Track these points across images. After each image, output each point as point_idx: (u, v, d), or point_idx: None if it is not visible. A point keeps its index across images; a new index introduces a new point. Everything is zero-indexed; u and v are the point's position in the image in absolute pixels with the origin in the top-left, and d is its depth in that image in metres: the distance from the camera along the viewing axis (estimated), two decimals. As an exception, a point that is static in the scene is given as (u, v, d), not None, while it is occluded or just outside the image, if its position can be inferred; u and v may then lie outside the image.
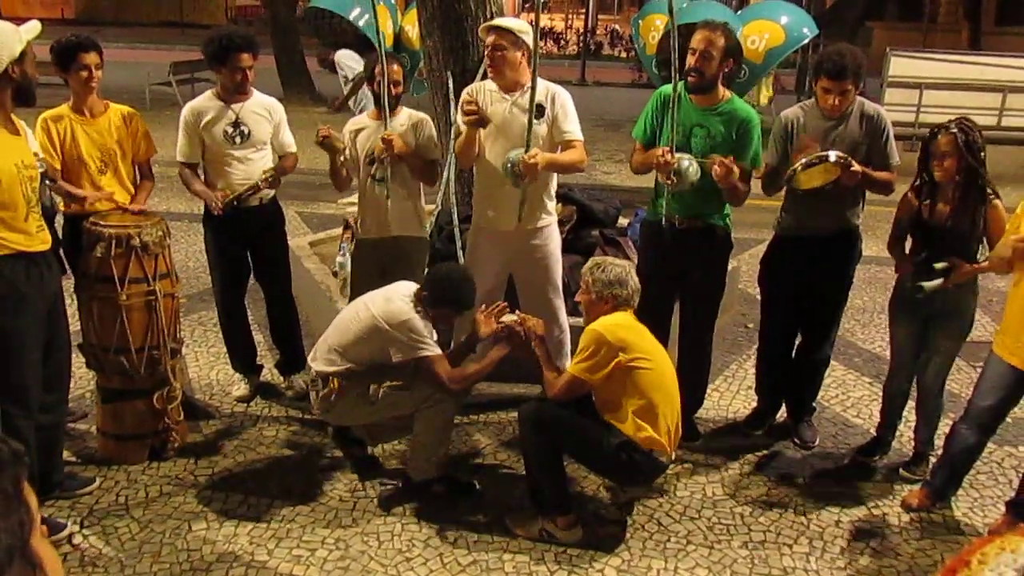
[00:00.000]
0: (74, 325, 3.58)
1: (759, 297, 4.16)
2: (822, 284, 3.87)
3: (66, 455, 3.65)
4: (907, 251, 3.72)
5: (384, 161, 3.83)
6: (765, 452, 4.02)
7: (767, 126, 3.93)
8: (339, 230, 5.61)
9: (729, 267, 4.22)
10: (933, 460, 3.72)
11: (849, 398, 4.62)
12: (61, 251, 3.58)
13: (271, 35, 14.27)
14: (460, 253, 4.71)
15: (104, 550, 3.16)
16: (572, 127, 3.79)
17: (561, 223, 4.43)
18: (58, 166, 3.74)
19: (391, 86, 3.82)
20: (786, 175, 3.60)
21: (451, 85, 4.93)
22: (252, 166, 4.02)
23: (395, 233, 4.02)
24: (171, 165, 4.36)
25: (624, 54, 25.85)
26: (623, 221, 5.61)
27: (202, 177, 4.11)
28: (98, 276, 3.53)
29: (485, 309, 3.52)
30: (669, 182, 3.57)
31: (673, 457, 3.35)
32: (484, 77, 4.10)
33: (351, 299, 3.94)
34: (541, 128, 3.71)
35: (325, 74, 10.60)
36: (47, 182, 3.46)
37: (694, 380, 3.94)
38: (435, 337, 3.45)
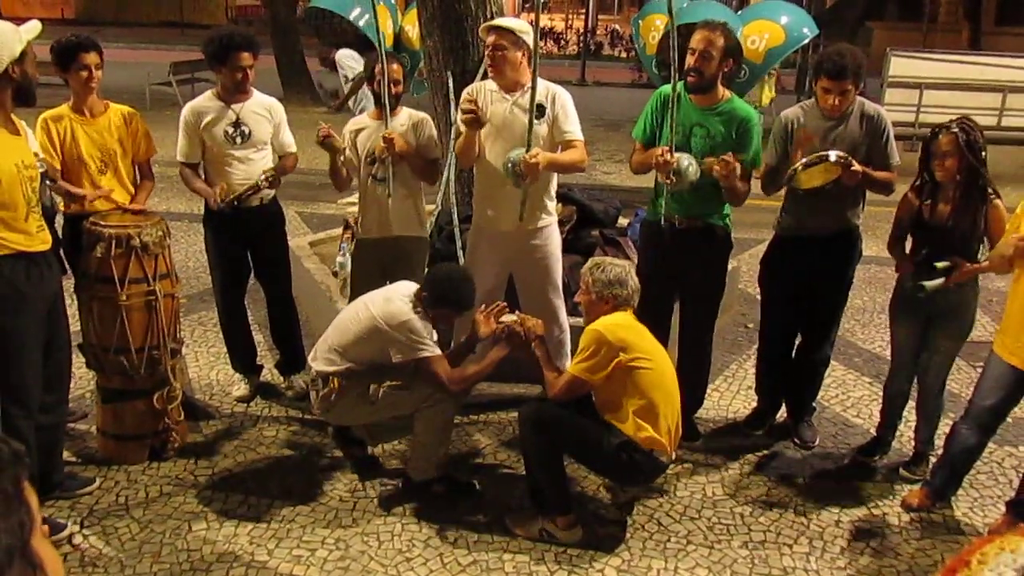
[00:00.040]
0: (74, 325, 3.57)
1: (759, 297, 4.16)
2: (822, 284, 3.87)
3: (66, 455, 3.65)
4: (907, 251, 3.72)
5: (385, 160, 3.83)
6: (765, 452, 4.03)
7: (769, 126, 3.93)
8: (339, 230, 5.61)
9: (729, 267, 4.22)
10: (933, 460, 3.72)
11: (849, 398, 4.62)
12: (61, 251, 3.58)
13: (271, 35, 14.26)
14: (460, 253, 4.71)
15: (104, 550, 3.16)
16: (572, 127, 3.79)
17: (561, 223, 4.43)
18: (58, 166, 3.74)
19: (391, 85, 3.82)
20: (786, 174, 3.61)
21: (451, 85, 4.93)
22: (252, 166, 4.02)
23: (396, 233, 4.02)
24: (171, 165, 4.36)
25: (624, 54, 25.86)
26: (623, 221, 5.61)
27: (202, 177, 4.11)
28: (98, 276, 3.53)
29: (485, 309, 3.52)
30: (669, 182, 3.57)
31: (673, 457, 3.35)
32: (484, 77, 4.10)
33: (351, 299, 3.94)
34: (541, 128, 3.71)
35: (325, 73, 10.59)
36: (47, 182, 3.46)
37: (694, 380, 3.94)
38: (435, 337, 3.44)
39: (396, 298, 3.42)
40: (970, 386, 3.75)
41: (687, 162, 3.54)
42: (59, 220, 3.76)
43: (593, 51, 24.87)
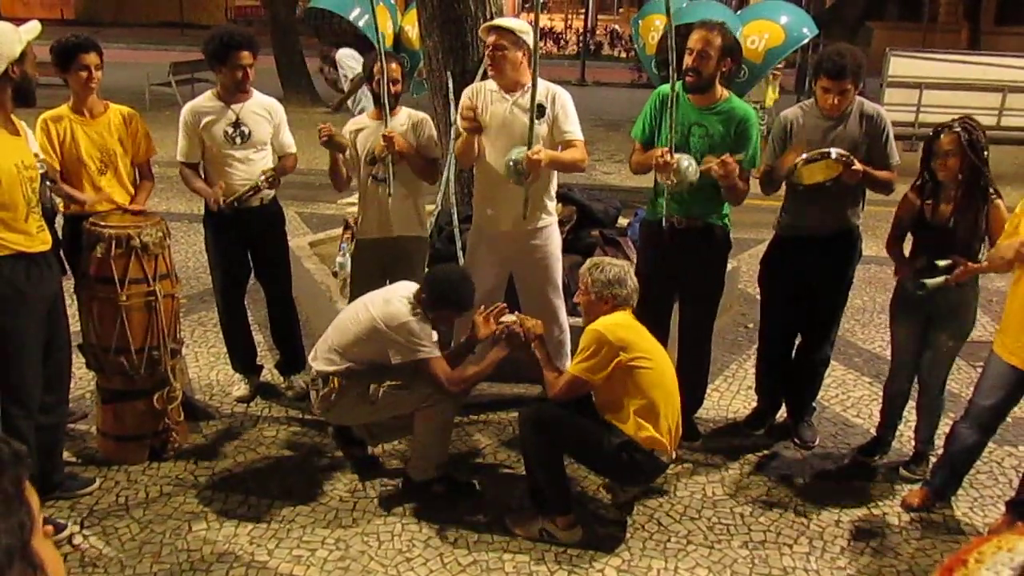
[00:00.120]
0: (74, 326, 3.58)
1: (759, 297, 4.17)
2: (822, 284, 3.87)
3: (66, 455, 3.65)
4: (906, 253, 3.72)
5: (385, 160, 3.83)
6: (765, 452, 4.03)
7: (771, 126, 3.93)
8: (339, 230, 5.61)
9: (729, 267, 4.22)
10: (933, 460, 3.72)
11: (849, 398, 4.62)
12: (61, 251, 3.58)
13: (271, 35, 14.26)
14: (460, 253, 4.71)
15: (104, 550, 3.16)
16: (572, 127, 3.79)
17: (561, 223, 4.43)
18: (58, 166, 3.73)
19: (390, 85, 3.82)
20: (786, 169, 3.61)
21: (451, 85, 4.93)
22: (252, 166, 4.02)
23: (396, 233, 4.02)
24: (171, 165, 4.36)
25: (624, 54, 25.86)
26: (623, 221, 5.61)
27: (203, 177, 4.11)
28: (98, 276, 3.53)
29: (484, 310, 3.52)
30: (668, 182, 3.57)
31: (674, 456, 3.35)
32: (484, 77, 4.10)
33: (351, 299, 3.94)
34: (541, 128, 3.71)
35: (323, 77, 10.59)
36: (47, 183, 3.46)
37: (694, 380, 3.94)
38: (435, 338, 3.44)
39: (395, 299, 3.42)
40: (970, 386, 3.75)
41: (687, 163, 3.54)
42: (59, 220, 3.76)
43: (593, 51, 24.88)
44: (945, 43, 18.12)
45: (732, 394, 4.61)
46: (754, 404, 4.31)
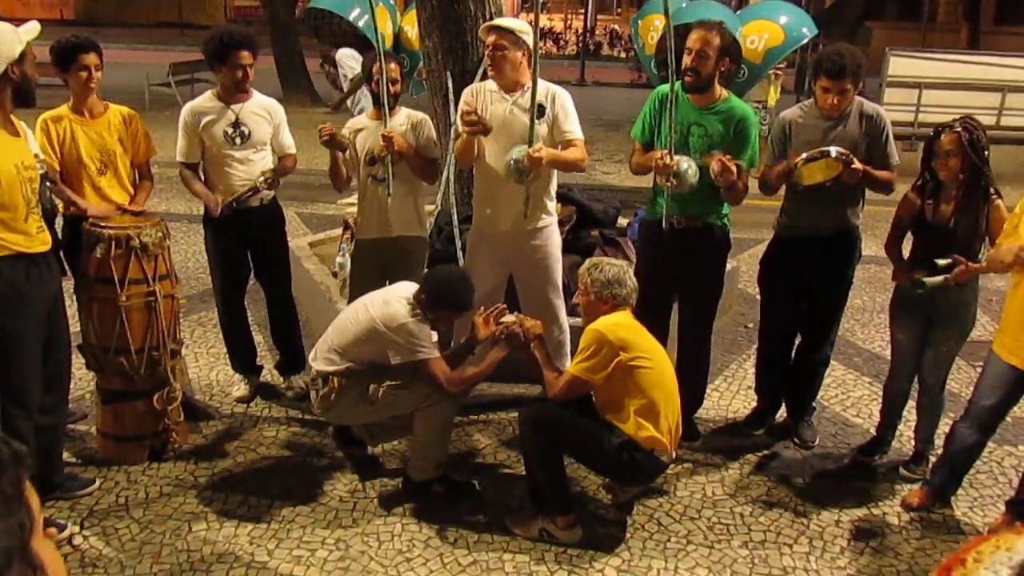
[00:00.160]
0: (74, 326, 3.58)
1: (759, 297, 4.17)
2: (822, 284, 3.87)
3: (66, 456, 3.65)
4: (905, 253, 3.72)
5: (385, 160, 3.83)
6: (765, 452, 4.03)
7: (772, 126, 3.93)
8: (339, 230, 5.61)
9: (729, 267, 4.22)
10: (933, 459, 3.72)
11: (849, 398, 4.62)
12: (61, 252, 3.58)
13: (270, 36, 14.25)
14: (460, 254, 4.71)
15: (104, 551, 3.16)
16: (572, 126, 3.79)
17: (561, 223, 4.43)
18: (57, 167, 3.73)
19: (389, 85, 3.82)
20: (787, 170, 3.61)
21: (450, 86, 4.93)
22: (252, 167, 4.02)
23: (396, 233, 4.02)
24: (170, 166, 4.36)
25: (623, 54, 25.86)
26: (623, 221, 5.61)
27: (202, 177, 4.11)
28: (98, 277, 3.53)
29: (484, 311, 3.52)
30: (668, 184, 3.57)
31: (674, 456, 3.35)
32: (484, 77, 4.10)
33: (351, 299, 3.94)
34: (541, 128, 3.71)
35: (324, 74, 10.59)
36: (47, 183, 3.46)
37: (693, 380, 3.94)
38: (435, 339, 3.44)
39: (395, 300, 3.42)
40: (970, 385, 3.75)
41: (686, 165, 3.54)
42: (59, 221, 3.76)
43: (592, 51, 24.87)
44: (944, 43, 18.12)
45: (732, 394, 4.61)
46: (754, 404, 4.31)
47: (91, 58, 3.72)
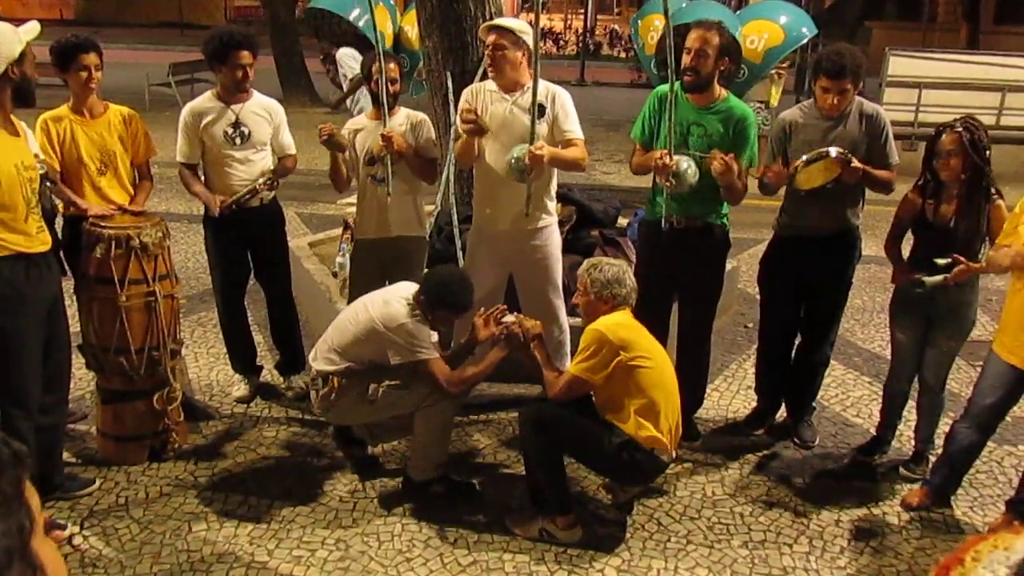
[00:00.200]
0: (74, 326, 3.57)
1: (759, 297, 4.17)
2: (822, 284, 3.87)
3: (66, 456, 3.65)
4: (905, 253, 3.72)
5: (384, 160, 3.83)
6: (765, 452, 4.03)
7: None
8: (339, 231, 5.61)
9: (729, 267, 4.22)
10: (933, 459, 3.72)
11: (849, 398, 4.62)
12: (61, 252, 3.58)
13: (270, 36, 14.25)
14: (460, 254, 4.71)
15: (104, 551, 3.16)
16: (572, 126, 3.79)
17: (560, 223, 4.43)
18: (58, 167, 3.73)
19: (388, 84, 3.82)
20: (787, 174, 3.61)
21: (450, 86, 4.93)
22: (252, 167, 4.02)
23: (395, 233, 4.02)
24: (170, 166, 4.36)
25: (623, 54, 25.86)
26: (623, 221, 5.61)
27: (202, 178, 4.11)
28: (98, 277, 3.53)
29: (484, 312, 3.52)
30: (668, 184, 3.57)
31: (674, 456, 3.35)
32: (484, 78, 4.10)
33: (350, 300, 3.94)
34: (542, 128, 3.71)
35: (323, 75, 10.58)
36: (47, 183, 3.46)
37: (693, 380, 3.94)
38: (436, 339, 3.44)
39: (394, 300, 3.42)
40: (970, 385, 3.76)
41: (686, 165, 3.54)
42: (59, 221, 3.76)
43: (592, 51, 24.87)
44: (944, 43, 18.12)
45: (732, 394, 4.61)
46: (754, 404, 4.31)
47: (91, 58, 3.72)
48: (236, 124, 3.97)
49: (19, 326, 3.03)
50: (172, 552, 3.16)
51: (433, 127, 4.13)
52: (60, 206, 3.80)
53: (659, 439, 3.16)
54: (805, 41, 8.11)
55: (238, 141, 3.98)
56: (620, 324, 3.19)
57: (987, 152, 3.40)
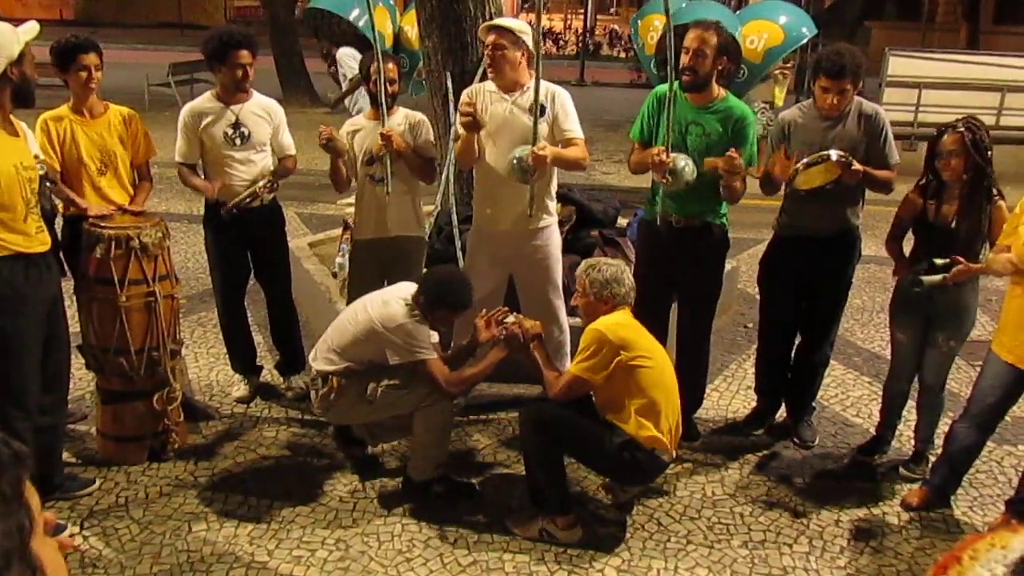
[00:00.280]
0: (74, 326, 3.57)
1: (758, 297, 4.17)
2: (822, 284, 3.87)
3: (66, 456, 3.65)
4: (905, 252, 3.72)
5: (383, 159, 3.83)
6: (765, 452, 4.03)
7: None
8: (338, 231, 5.61)
9: (728, 267, 4.22)
10: (933, 459, 3.72)
11: (849, 398, 4.62)
12: (60, 252, 3.58)
13: (270, 36, 14.24)
14: (460, 254, 4.70)
15: (104, 551, 3.16)
16: (573, 125, 3.79)
17: (560, 223, 4.43)
18: (58, 167, 3.73)
19: (387, 84, 3.82)
20: (786, 176, 3.61)
21: (450, 86, 4.93)
22: (253, 167, 4.02)
23: (394, 233, 4.02)
24: (170, 166, 4.36)
25: (623, 54, 25.87)
26: (622, 221, 5.61)
27: (201, 176, 4.11)
28: (98, 277, 3.53)
29: (485, 314, 3.51)
30: (665, 181, 3.58)
31: (674, 455, 3.35)
32: (483, 78, 4.10)
33: (349, 300, 3.94)
34: (542, 127, 3.71)
35: (323, 75, 10.57)
36: (47, 184, 3.46)
37: (692, 379, 3.94)
38: (436, 339, 3.44)
39: (394, 301, 3.42)
40: (969, 385, 3.75)
41: (683, 162, 3.54)
42: (58, 221, 3.76)
43: (592, 51, 24.88)
44: (944, 43, 18.13)
45: (732, 394, 4.61)
46: (754, 404, 4.31)
47: (91, 58, 3.72)
48: (236, 125, 3.97)
49: (18, 326, 3.02)
50: (172, 552, 3.16)
51: (433, 127, 4.13)
52: (60, 206, 3.80)
53: (660, 439, 3.16)
54: (805, 41, 8.10)
55: (238, 142, 3.98)
56: (620, 324, 3.19)
57: (989, 152, 3.40)
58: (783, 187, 3.74)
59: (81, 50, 3.70)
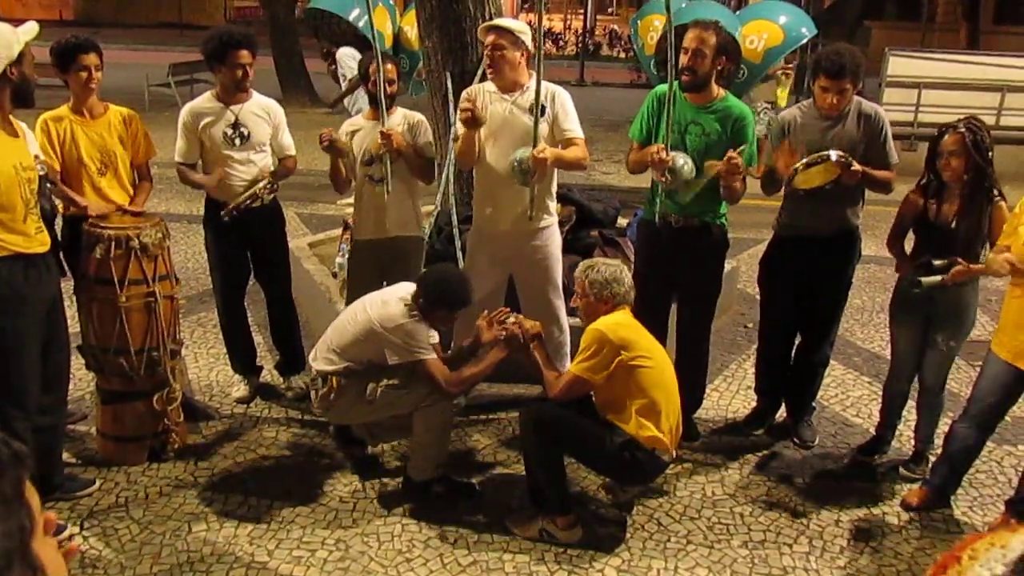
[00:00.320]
0: (73, 327, 3.57)
1: (758, 297, 4.17)
2: (821, 284, 3.87)
3: (66, 457, 3.65)
4: (907, 250, 3.72)
5: (383, 159, 3.83)
6: (765, 452, 4.03)
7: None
8: (338, 231, 5.60)
9: (728, 267, 4.22)
10: (933, 459, 3.72)
11: (849, 398, 4.62)
12: (60, 253, 3.58)
13: (270, 36, 14.23)
14: (460, 254, 4.70)
15: (104, 551, 3.16)
16: (573, 125, 3.80)
17: (560, 223, 4.43)
18: (58, 167, 3.73)
19: (386, 84, 3.82)
20: (786, 176, 3.61)
21: (450, 86, 4.93)
22: (253, 168, 4.02)
23: (393, 233, 4.02)
24: (170, 166, 4.36)
25: (623, 54, 25.86)
26: (622, 221, 5.61)
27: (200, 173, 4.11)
28: (97, 278, 3.53)
29: (487, 315, 3.51)
30: (663, 180, 3.58)
31: (674, 455, 3.35)
32: (483, 79, 4.10)
33: (349, 300, 3.94)
34: (542, 127, 3.71)
35: (323, 75, 10.58)
36: (47, 184, 3.46)
37: (692, 379, 3.94)
38: (436, 339, 3.44)
39: (393, 301, 3.42)
40: (969, 385, 3.76)
41: (682, 161, 3.54)
42: (58, 222, 3.75)
43: (592, 51, 24.86)
44: (944, 43, 18.13)
45: (732, 394, 4.61)
46: (754, 404, 4.31)
47: (91, 58, 3.72)
48: (236, 125, 3.97)
49: (18, 326, 3.02)
50: (172, 552, 3.16)
51: (433, 127, 4.13)
52: (60, 206, 3.80)
53: (660, 439, 3.16)
54: (804, 41, 8.11)
55: (238, 142, 3.98)
56: (620, 324, 3.19)
57: (989, 153, 3.40)
58: (783, 187, 3.74)
59: (81, 50, 3.70)
